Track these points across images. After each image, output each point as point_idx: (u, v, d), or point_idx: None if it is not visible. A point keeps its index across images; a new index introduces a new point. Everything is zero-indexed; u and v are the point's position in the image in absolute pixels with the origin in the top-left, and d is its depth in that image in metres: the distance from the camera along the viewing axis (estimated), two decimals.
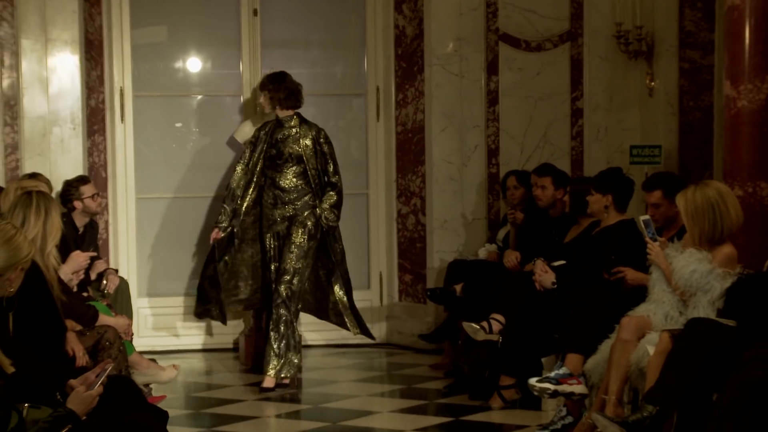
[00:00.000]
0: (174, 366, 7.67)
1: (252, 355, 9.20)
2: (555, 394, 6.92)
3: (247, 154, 8.66)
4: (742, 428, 5.25)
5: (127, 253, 9.84)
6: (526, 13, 9.80)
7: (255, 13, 9.95)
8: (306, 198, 8.55)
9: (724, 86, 7.78)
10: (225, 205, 8.68)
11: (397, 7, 9.97)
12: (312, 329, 9.80)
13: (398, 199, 10.06)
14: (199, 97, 10.22)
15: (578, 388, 6.86)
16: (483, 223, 9.80)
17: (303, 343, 9.44)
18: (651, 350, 6.19)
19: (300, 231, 8.49)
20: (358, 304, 9.67)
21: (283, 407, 7.99)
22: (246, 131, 9.47)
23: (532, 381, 7.00)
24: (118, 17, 9.75)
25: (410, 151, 9.96)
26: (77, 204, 8.50)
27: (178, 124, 10.25)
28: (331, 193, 8.51)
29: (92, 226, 8.69)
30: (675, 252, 6.56)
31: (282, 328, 8.42)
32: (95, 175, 9.45)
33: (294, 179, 8.53)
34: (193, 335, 9.93)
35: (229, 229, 8.68)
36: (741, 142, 7.57)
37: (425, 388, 8.51)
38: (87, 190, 8.54)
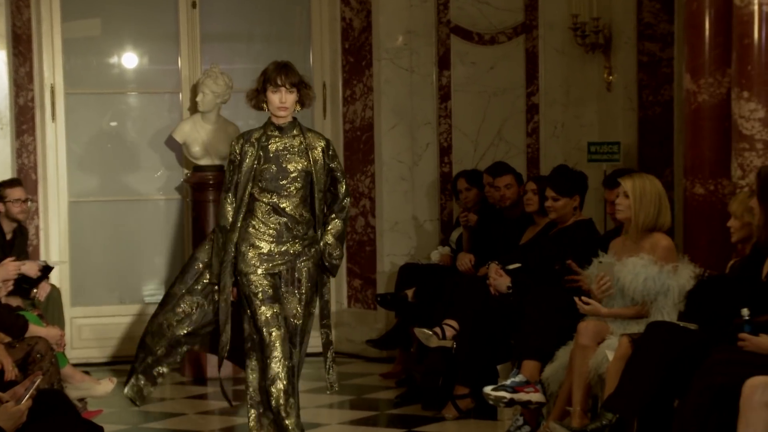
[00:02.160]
0: (110, 379, 7.65)
1: (193, 368, 9.18)
2: (511, 402, 6.97)
3: (233, 179, 6.74)
4: None
5: (59, 259, 9.72)
6: (479, 4, 9.85)
7: (194, 5, 9.93)
8: (311, 231, 6.78)
9: (684, 80, 7.85)
10: (222, 245, 6.74)
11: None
12: None
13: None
14: (135, 94, 10.19)
15: (535, 397, 6.91)
16: (435, 224, 9.85)
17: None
18: (610, 355, 6.25)
19: (305, 274, 6.77)
20: None
21: (228, 420, 7.97)
22: (186, 130, 9.44)
23: (488, 389, 7.04)
24: (48, 10, 9.69)
25: (359, 149, 9.98)
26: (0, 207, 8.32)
27: (113, 123, 10.20)
28: (337, 221, 6.86)
29: (21, 232, 8.54)
30: (610, 263, 6.65)
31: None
32: (25, 177, 9.37)
33: (301, 205, 6.70)
34: (129, 346, 9.88)
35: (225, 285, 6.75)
36: (702, 138, 7.65)
37: (376, 399, 8.54)
38: (12, 193, 8.33)
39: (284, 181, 6.64)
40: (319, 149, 6.74)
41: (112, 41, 10.12)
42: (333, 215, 6.85)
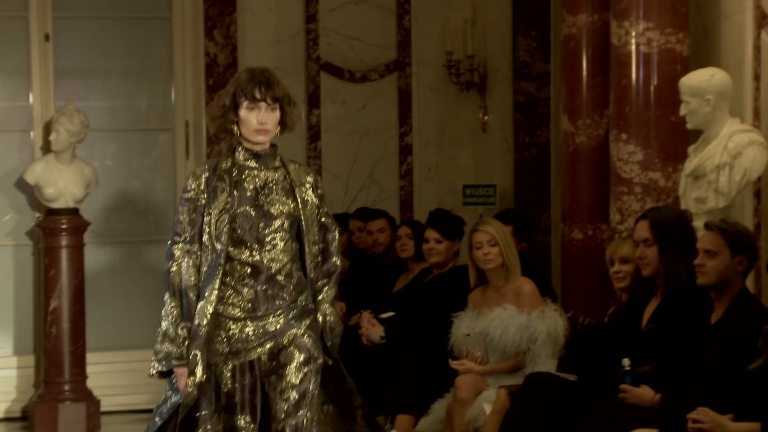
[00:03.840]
0: None
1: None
2: None
3: (194, 224, 5.23)
4: None
5: None
6: (350, 40, 9.92)
7: (47, 38, 9.75)
8: (305, 295, 5.33)
9: (562, 121, 8.01)
10: (171, 324, 5.22)
11: (208, 32, 9.91)
12: (110, 393, 9.62)
13: None
14: None
15: None
16: None
17: (102, 409, 9.28)
18: (488, 409, 6.31)
19: (297, 358, 5.22)
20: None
21: None
22: (38, 171, 9.25)
23: None
24: None
25: None
26: None
27: None
28: (329, 288, 5.45)
29: None
30: (479, 334, 6.74)
31: None
32: None
33: (289, 263, 5.26)
34: None
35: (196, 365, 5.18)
36: (580, 181, 7.81)
37: None
38: None
39: (266, 230, 5.21)
40: (308, 186, 5.36)
41: None
42: (324, 280, 5.42)
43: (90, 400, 9.22)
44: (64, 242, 9.20)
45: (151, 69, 10.18)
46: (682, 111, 6.76)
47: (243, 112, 5.23)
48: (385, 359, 7.54)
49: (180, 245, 5.21)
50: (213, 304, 5.14)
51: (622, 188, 7.21)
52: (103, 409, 9.27)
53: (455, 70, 9.81)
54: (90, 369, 9.25)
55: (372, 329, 7.81)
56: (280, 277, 5.22)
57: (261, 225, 5.19)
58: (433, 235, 7.84)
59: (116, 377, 9.60)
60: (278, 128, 5.30)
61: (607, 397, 5.88)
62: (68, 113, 9.25)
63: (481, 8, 9.86)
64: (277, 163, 5.34)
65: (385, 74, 10.01)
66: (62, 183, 9.27)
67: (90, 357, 9.27)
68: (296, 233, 5.28)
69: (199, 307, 5.15)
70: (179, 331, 5.17)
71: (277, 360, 5.19)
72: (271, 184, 5.27)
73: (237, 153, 5.30)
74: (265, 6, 9.72)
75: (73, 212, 9.24)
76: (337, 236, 5.51)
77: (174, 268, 5.20)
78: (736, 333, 5.57)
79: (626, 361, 5.98)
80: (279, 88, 5.22)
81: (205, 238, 5.18)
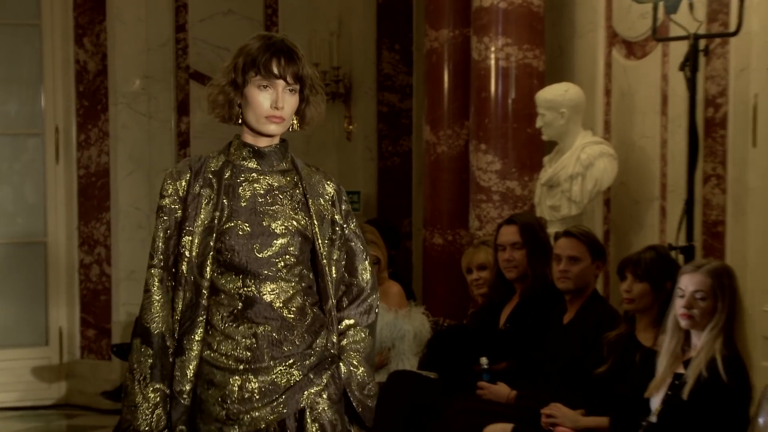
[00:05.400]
0: None
1: None
2: None
3: (167, 245, 3.79)
4: None
5: None
6: (218, 50, 9.87)
7: None
8: (323, 338, 3.83)
9: (424, 131, 8.10)
10: (138, 384, 3.74)
11: (78, 40, 9.83)
12: None
13: (80, 248, 9.87)
14: None
15: None
16: None
17: None
18: None
19: (317, 425, 3.76)
20: (35, 363, 9.67)
21: None
22: None
23: None
24: None
25: (94, 196, 9.82)
26: None
27: None
28: (360, 331, 3.92)
29: None
30: None
31: None
32: None
33: (298, 295, 3.79)
34: None
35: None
36: (441, 189, 7.91)
37: None
38: None
39: (265, 252, 3.73)
40: (328, 198, 3.87)
41: None
42: (351, 320, 3.90)
43: None
44: None
45: (21, 75, 9.99)
46: (538, 123, 6.93)
47: (251, 91, 3.70)
48: None
49: (153, 271, 3.75)
50: (195, 363, 3.70)
51: (481, 196, 7.33)
52: None
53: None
54: None
55: None
56: (287, 314, 3.72)
57: (257, 245, 3.71)
58: None
59: None
60: (295, 119, 3.82)
61: (465, 393, 6.01)
62: None
63: (346, 21, 9.91)
64: (286, 165, 3.85)
65: None
66: None
67: None
68: (310, 258, 3.81)
69: (178, 364, 3.71)
70: (149, 395, 3.69)
71: (292, 426, 3.72)
72: (275, 192, 3.77)
73: (232, 148, 3.81)
74: (135, 15, 9.62)
75: None
76: (369, 267, 3.94)
77: (146, 303, 3.74)
78: (586, 333, 5.68)
79: (484, 360, 6.10)
80: (303, 65, 3.73)
81: (183, 266, 3.72)
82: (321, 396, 3.73)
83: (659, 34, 6.27)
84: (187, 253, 3.72)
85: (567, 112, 6.81)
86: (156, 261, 3.75)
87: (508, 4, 7.20)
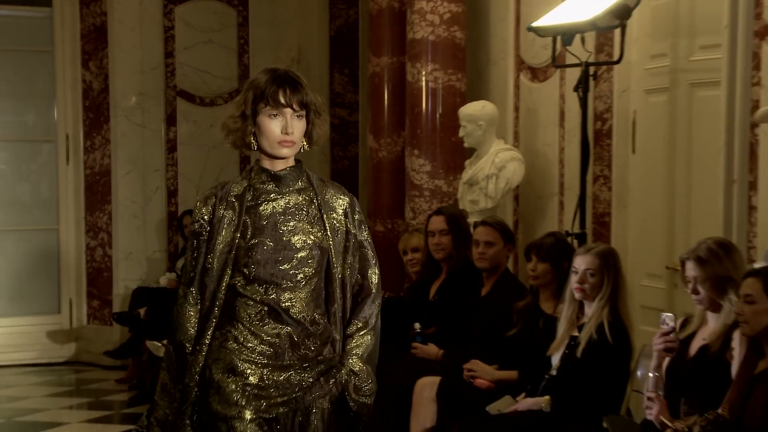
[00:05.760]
0: None
1: None
2: None
3: (197, 263, 3.57)
4: None
5: None
6: (200, 73, 9.82)
7: None
8: (328, 347, 3.59)
9: (368, 139, 8.10)
10: (168, 380, 3.61)
11: (84, 63, 9.72)
12: (6, 351, 9.48)
13: (86, 234, 9.78)
14: None
15: None
16: (164, 254, 9.73)
17: None
18: None
19: (318, 422, 3.54)
20: (49, 327, 9.58)
21: None
22: None
23: None
24: None
25: (98, 191, 9.74)
26: None
27: None
28: (365, 335, 3.60)
29: None
30: None
31: None
32: None
33: (314, 303, 3.55)
34: None
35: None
36: (382, 187, 7.90)
37: (111, 400, 8.34)
38: None
39: (286, 265, 3.48)
40: (340, 211, 3.58)
41: None
42: (358, 324, 3.59)
43: None
44: None
45: (36, 91, 9.91)
46: (461, 133, 6.92)
47: (263, 120, 3.50)
48: None
49: (182, 288, 3.57)
50: (202, 363, 3.51)
51: (414, 192, 7.32)
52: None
53: None
54: None
55: None
56: (304, 321, 3.49)
57: (280, 259, 3.47)
58: None
59: (7, 336, 9.52)
60: (304, 140, 3.57)
61: (403, 352, 6.00)
62: None
63: (305, 50, 9.86)
64: (302, 184, 3.57)
65: (228, 100, 9.89)
66: None
67: None
68: (325, 268, 3.54)
69: (191, 362, 3.53)
70: (175, 390, 3.56)
71: (301, 419, 3.51)
72: (293, 210, 3.51)
73: (252, 173, 3.59)
74: (131, 43, 9.53)
75: None
76: (377, 272, 3.64)
77: (174, 315, 3.58)
78: (500, 303, 5.69)
79: (417, 325, 6.09)
80: (306, 93, 3.53)
81: (207, 280, 3.51)
82: (325, 398, 3.50)
83: (558, 62, 6.26)
84: (210, 269, 3.50)
85: (484, 124, 6.81)
86: (185, 279, 3.55)
87: (436, 37, 7.18)
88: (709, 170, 5.64)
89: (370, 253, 3.62)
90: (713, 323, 4.40)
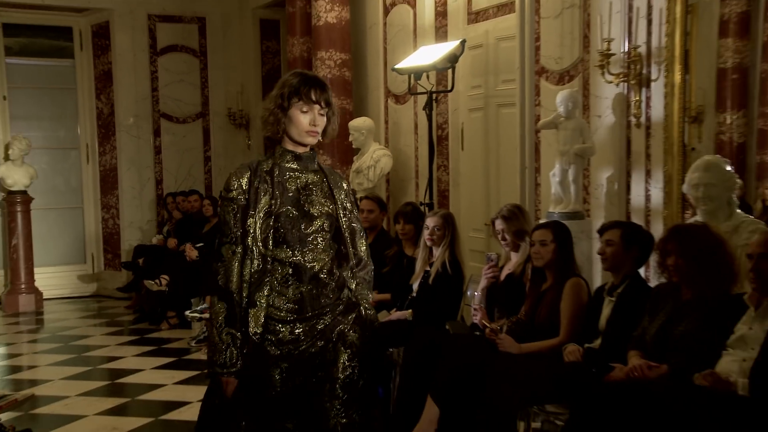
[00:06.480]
0: None
1: None
2: (200, 319, 6.85)
3: (238, 227, 2.86)
4: None
5: None
6: (176, 101, 9.57)
7: (4, 98, 9.02)
8: (346, 291, 2.96)
9: None
10: (216, 329, 2.85)
11: (98, 96, 9.36)
12: (50, 288, 9.12)
13: (102, 210, 9.45)
14: None
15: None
16: (154, 223, 9.48)
17: (45, 296, 8.82)
18: None
19: (344, 355, 2.87)
20: (78, 272, 9.27)
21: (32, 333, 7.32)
22: (2, 170, 8.57)
23: (187, 313, 6.90)
24: None
25: (108, 181, 9.42)
26: None
27: None
28: (363, 284, 3.02)
29: None
30: None
31: None
32: None
33: (330, 263, 2.93)
34: None
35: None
36: None
37: (122, 320, 8.09)
38: None
39: (309, 229, 2.92)
40: (343, 192, 3.04)
41: None
42: (361, 283, 3.01)
43: (36, 292, 8.74)
44: (19, 209, 8.65)
45: (64, 114, 9.53)
46: (351, 139, 6.85)
47: (295, 113, 2.91)
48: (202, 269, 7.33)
49: (227, 246, 2.85)
50: (264, 311, 2.83)
51: None
52: (46, 297, 8.89)
53: (233, 117, 9.62)
54: (36, 275, 8.78)
55: (191, 252, 7.67)
56: (322, 276, 2.89)
57: (303, 225, 2.89)
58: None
59: (51, 279, 9.17)
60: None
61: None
62: (19, 139, 8.72)
63: (245, 86, 9.64)
64: (316, 167, 3.02)
65: (196, 119, 9.70)
66: (17, 176, 8.69)
67: (36, 270, 8.81)
68: (336, 234, 2.96)
69: (252, 313, 2.83)
70: (223, 337, 2.81)
71: (324, 357, 2.86)
72: (311, 186, 2.95)
73: (277, 154, 2.98)
74: (129, 82, 9.21)
75: (23, 193, 8.67)
76: (365, 242, 3.07)
77: (222, 270, 2.84)
78: (376, 251, 5.62)
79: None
80: (330, 95, 2.98)
81: (248, 240, 2.84)
82: (347, 329, 2.86)
83: (412, 91, 6.23)
84: (251, 231, 2.83)
85: (365, 132, 6.77)
86: (228, 238, 2.84)
87: (333, 75, 7.08)
88: (511, 161, 5.71)
89: (359, 227, 3.05)
90: (515, 259, 4.46)
